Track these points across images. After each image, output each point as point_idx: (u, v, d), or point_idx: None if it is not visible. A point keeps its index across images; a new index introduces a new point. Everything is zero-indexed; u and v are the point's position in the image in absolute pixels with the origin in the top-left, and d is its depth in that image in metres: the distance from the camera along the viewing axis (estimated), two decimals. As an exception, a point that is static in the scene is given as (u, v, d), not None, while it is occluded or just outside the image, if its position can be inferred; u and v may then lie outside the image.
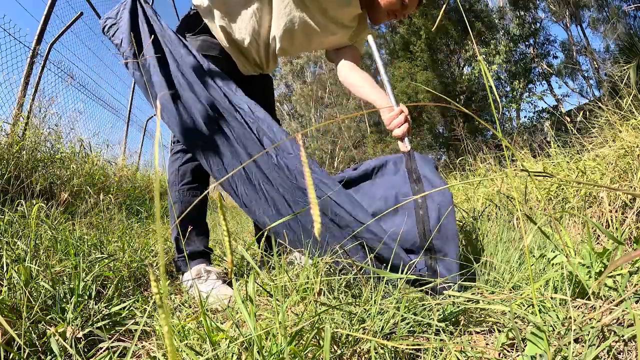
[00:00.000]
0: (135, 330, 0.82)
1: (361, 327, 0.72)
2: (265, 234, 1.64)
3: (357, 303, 0.80)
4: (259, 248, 1.78)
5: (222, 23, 1.37)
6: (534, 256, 0.99)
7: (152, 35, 1.23)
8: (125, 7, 1.28)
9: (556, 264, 0.88)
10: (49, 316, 0.78)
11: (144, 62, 1.19)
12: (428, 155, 1.17)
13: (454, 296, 0.78)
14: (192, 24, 1.43)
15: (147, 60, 1.20)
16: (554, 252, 0.94)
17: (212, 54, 1.38)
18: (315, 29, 1.36)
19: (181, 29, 1.44)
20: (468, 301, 0.76)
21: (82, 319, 0.79)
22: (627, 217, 1.26)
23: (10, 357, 0.68)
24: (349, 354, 0.66)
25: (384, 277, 0.83)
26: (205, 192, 1.33)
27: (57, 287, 0.86)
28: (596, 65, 13.25)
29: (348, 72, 1.44)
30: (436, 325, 0.69)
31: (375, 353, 0.63)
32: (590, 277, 0.78)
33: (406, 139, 1.16)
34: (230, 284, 1.28)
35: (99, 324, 0.80)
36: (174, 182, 1.37)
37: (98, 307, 0.86)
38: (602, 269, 0.78)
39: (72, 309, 0.80)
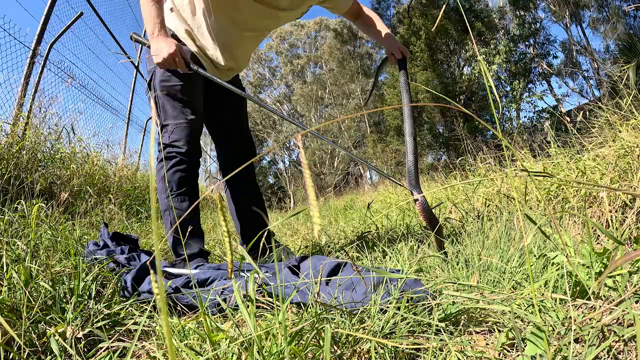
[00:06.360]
0: (135, 330, 0.82)
1: (361, 327, 0.72)
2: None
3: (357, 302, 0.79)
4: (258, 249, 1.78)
5: (186, 27, 1.40)
6: (534, 256, 0.99)
7: None
8: None
9: (556, 263, 0.88)
10: (49, 316, 0.78)
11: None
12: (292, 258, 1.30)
13: (454, 296, 0.78)
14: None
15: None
16: (553, 252, 0.94)
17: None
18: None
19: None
20: (468, 301, 0.76)
21: (82, 319, 0.79)
22: (627, 217, 1.26)
23: (10, 357, 0.68)
24: (349, 354, 0.66)
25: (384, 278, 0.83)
26: (198, 200, 1.38)
27: (57, 287, 0.86)
28: (596, 65, 13.25)
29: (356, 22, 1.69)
30: (436, 325, 0.69)
31: (375, 353, 0.63)
32: (590, 277, 0.78)
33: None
34: None
35: (99, 324, 0.80)
36: (161, 189, 1.38)
37: (98, 307, 0.86)
38: (602, 269, 0.78)
39: (72, 309, 0.80)
